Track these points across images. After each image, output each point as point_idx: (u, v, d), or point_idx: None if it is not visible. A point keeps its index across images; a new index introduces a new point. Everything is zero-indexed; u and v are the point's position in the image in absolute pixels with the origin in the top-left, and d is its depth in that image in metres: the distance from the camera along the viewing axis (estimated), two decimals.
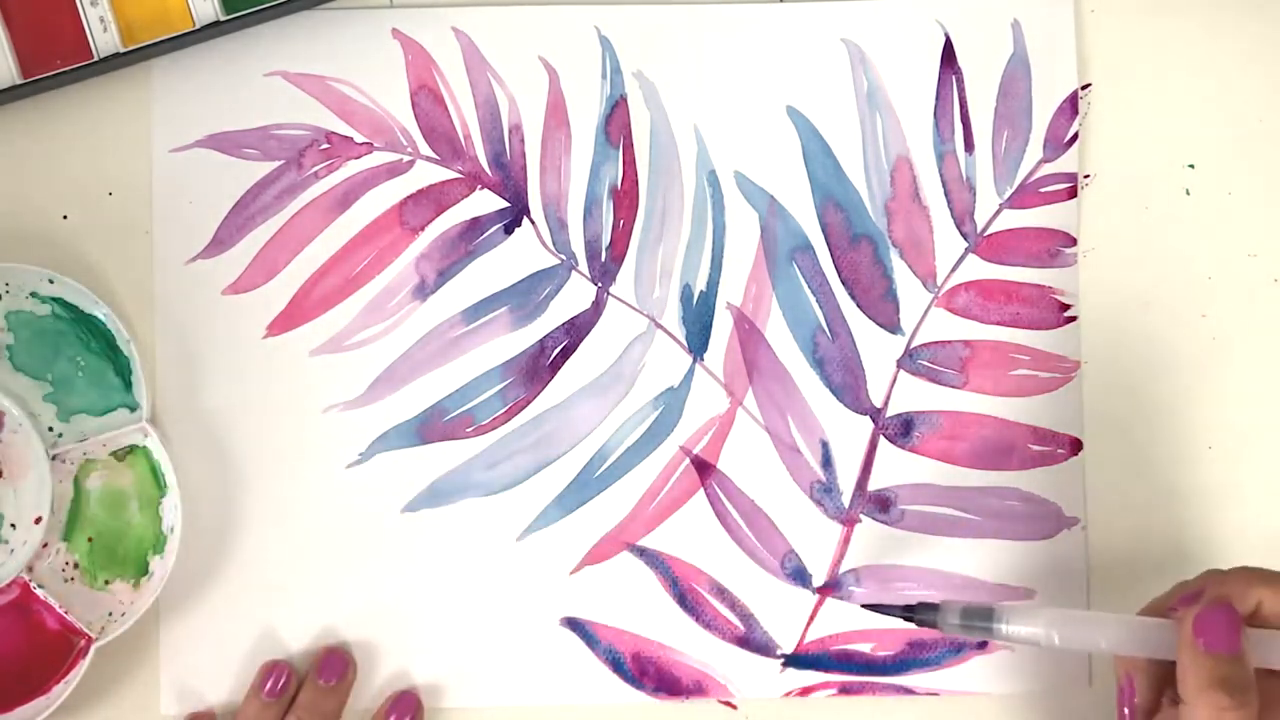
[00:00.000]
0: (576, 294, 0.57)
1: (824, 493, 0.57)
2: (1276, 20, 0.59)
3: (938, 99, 0.58)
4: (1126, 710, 0.50)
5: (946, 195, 0.58)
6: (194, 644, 0.56)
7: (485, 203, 0.57)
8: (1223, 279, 0.58)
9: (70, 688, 0.53)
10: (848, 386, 0.58)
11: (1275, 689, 0.47)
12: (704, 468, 0.57)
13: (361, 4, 0.57)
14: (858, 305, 0.58)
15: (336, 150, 0.57)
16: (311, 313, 0.57)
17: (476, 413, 0.57)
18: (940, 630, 0.51)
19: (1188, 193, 0.59)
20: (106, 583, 0.55)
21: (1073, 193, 0.58)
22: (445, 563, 0.57)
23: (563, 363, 0.57)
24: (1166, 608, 0.50)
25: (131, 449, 0.55)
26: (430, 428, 0.57)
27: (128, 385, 0.55)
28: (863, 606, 0.54)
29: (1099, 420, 0.58)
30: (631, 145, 0.58)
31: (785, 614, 0.57)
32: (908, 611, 0.52)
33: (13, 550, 0.54)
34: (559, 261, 0.57)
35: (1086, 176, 0.58)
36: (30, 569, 0.54)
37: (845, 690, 0.57)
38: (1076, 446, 0.58)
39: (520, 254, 0.57)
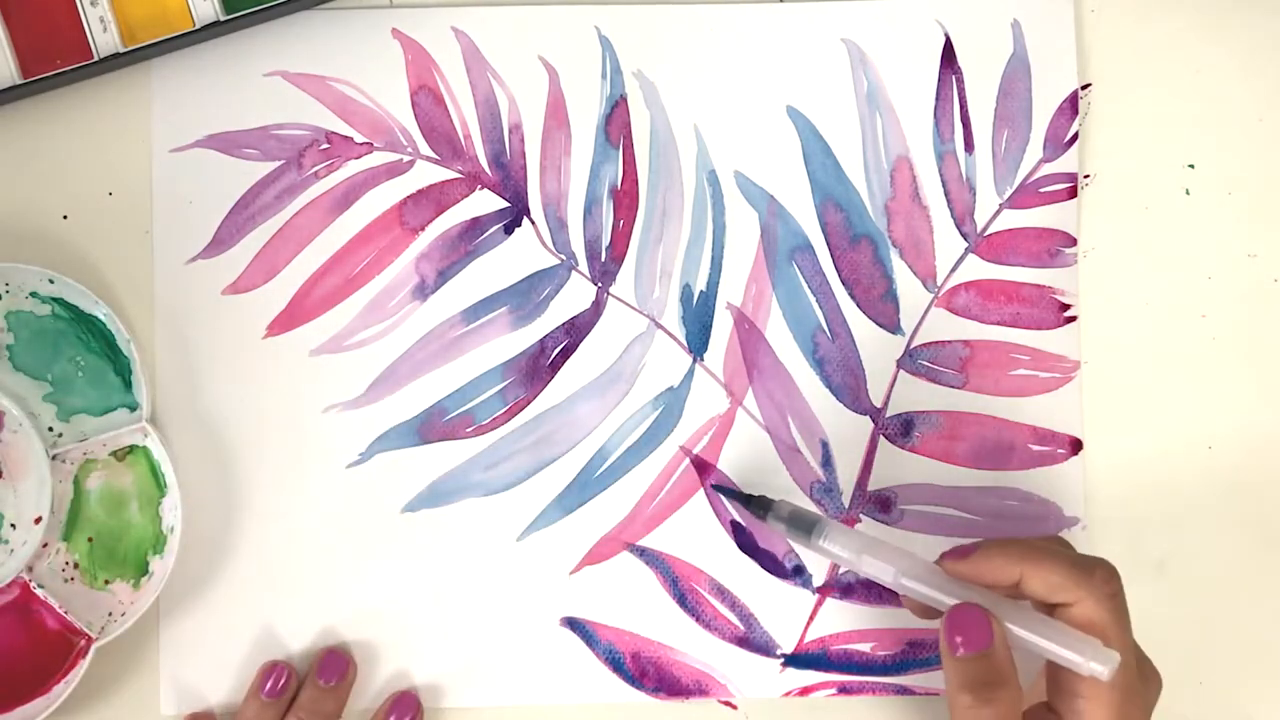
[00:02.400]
0: (576, 294, 0.57)
1: (824, 493, 0.57)
2: (1276, 20, 0.59)
3: (938, 99, 0.58)
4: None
5: (946, 195, 0.58)
6: (194, 644, 0.56)
7: (485, 203, 0.57)
8: (1223, 279, 0.58)
9: (70, 688, 0.53)
10: (848, 386, 0.58)
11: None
12: (704, 468, 0.57)
13: (361, 4, 0.57)
14: (858, 305, 0.58)
15: (336, 150, 0.57)
16: (311, 313, 0.57)
17: (476, 413, 0.57)
18: (769, 526, 0.54)
19: (1188, 193, 0.59)
20: (106, 583, 0.55)
21: (1073, 193, 0.58)
22: (445, 563, 0.57)
23: (563, 363, 0.57)
24: (938, 558, 0.51)
25: (131, 449, 0.55)
26: (430, 428, 0.57)
27: (128, 385, 0.55)
28: (712, 486, 0.57)
29: (1099, 420, 0.58)
30: (631, 145, 0.58)
31: (785, 614, 0.57)
32: (747, 500, 0.55)
33: (13, 550, 0.54)
34: (559, 261, 0.57)
35: (1086, 176, 0.58)
36: (30, 569, 0.54)
37: (845, 690, 0.57)
38: (1076, 446, 0.58)
39: (520, 254, 0.57)
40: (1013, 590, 0.50)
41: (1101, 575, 0.49)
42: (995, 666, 0.48)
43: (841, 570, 0.57)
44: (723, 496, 0.57)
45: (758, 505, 0.55)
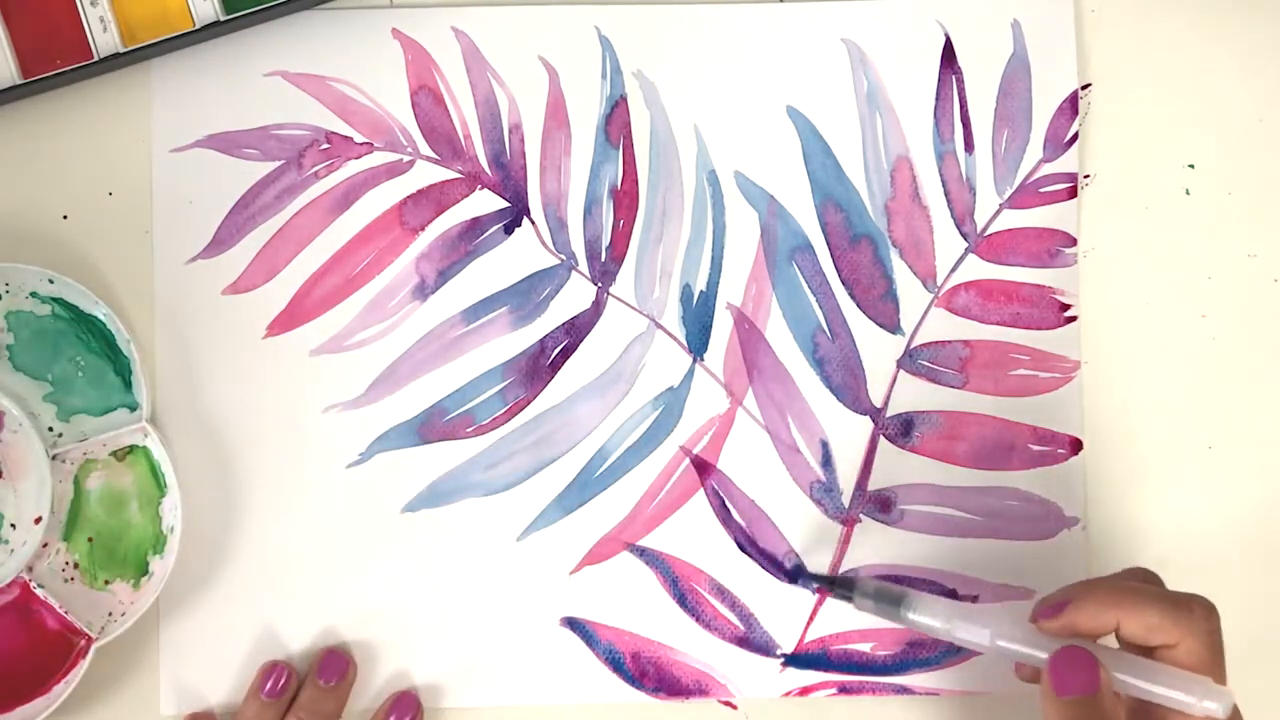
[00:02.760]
0: (576, 294, 0.57)
1: (824, 493, 0.57)
2: (1276, 20, 0.59)
3: (938, 99, 0.58)
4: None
5: (946, 195, 0.58)
6: (194, 644, 0.56)
7: (485, 203, 0.57)
8: (1223, 279, 0.58)
9: (70, 688, 0.53)
10: (848, 386, 0.58)
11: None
12: (704, 468, 0.57)
13: (361, 4, 0.57)
14: (858, 305, 0.58)
15: (336, 150, 0.57)
16: (311, 313, 0.57)
17: (476, 413, 0.57)
18: (854, 605, 0.53)
19: (1188, 193, 0.59)
20: (106, 583, 0.55)
21: (1073, 193, 0.58)
22: (445, 563, 0.57)
23: (563, 363, 0.57)
24: (1031, 615, 0.50)
25: (131, 449, 0.55)
26: (430, 428, 0.57)
27: (128, 385, 0.55)
28: (800, 578, 0.56)
29: (1099, 420, 0.58)
30: (631, 145, 0.58)
31: (785, 614, 0.57)
32: (830, 583, 0.54)
33: (13, 550, 0.54)
34: (559, 261, 0.57)
35: (1086, 176, 0.58)
36: (30, 569, 0.54)
37: (845, 690, 0.57)
38: (1076, 446, 0.58)
39: (520, 254, 0.57)
40: (1108, 635, 0.49)
41: (1201, 613, 0.48)
42: (1101, 711, 0.47)
43: (842, 569, 0.57)
44: (805, 580, 0.56)
45: (841, 586, 0.54)
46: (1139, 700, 0.49)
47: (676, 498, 0.57)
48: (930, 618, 0.51)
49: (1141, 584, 0.50)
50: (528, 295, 0.57)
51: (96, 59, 0.54)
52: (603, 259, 0.57)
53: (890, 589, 0.52)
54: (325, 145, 0.57)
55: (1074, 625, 0.49)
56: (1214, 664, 0.48)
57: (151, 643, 0.56)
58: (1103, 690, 0.47)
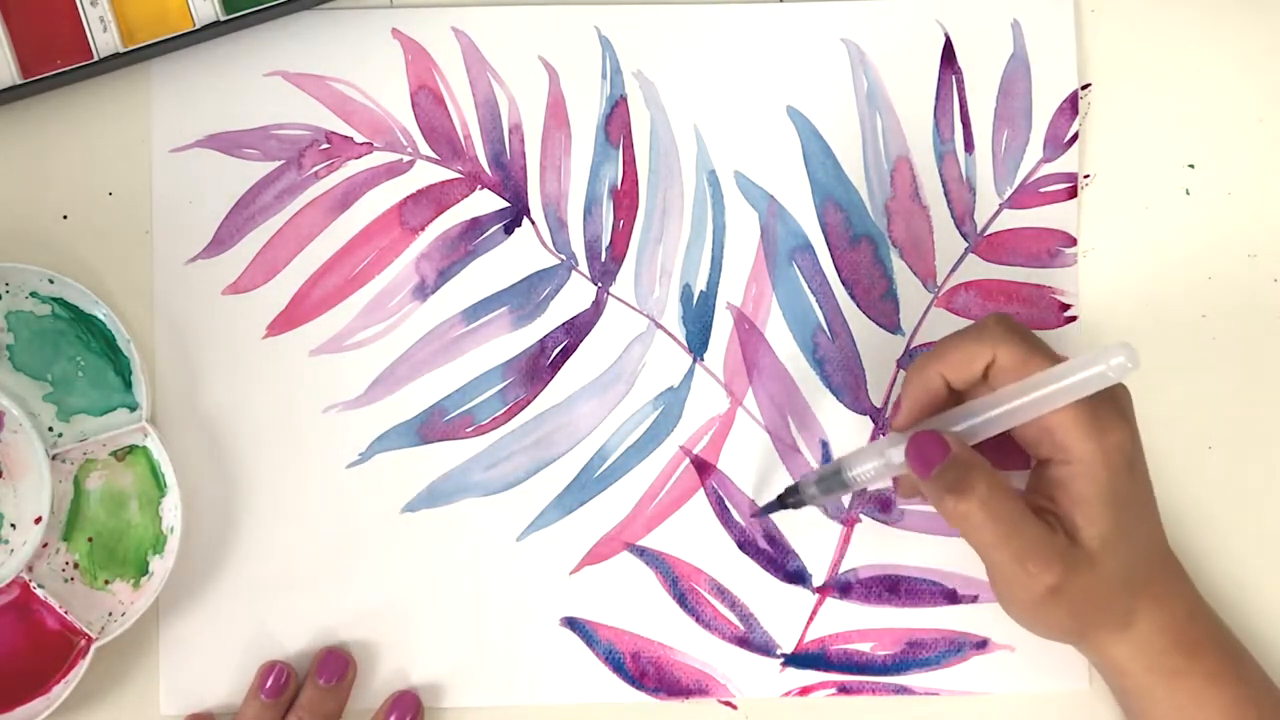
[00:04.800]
0: (576, 294, 0.57)
1: None
2: (1276, 20, 0.59)
3: (938, 99, 0.58)
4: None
5: (946, 195, 0.58)
6: (194, 644, 0.56)
7: (485, 203, 0.57)
8: (1223, 279, 0.58)
9: (70, 688, 0.53)
10: (848, 386, 0.58)
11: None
12: (704, 468, 0.57)
13: (361, 4, 0.57)
14: (858, 305, 0.58)
15: (336, 150, 0.57)
16: (311, 313, 0.57)
17: (476, 413, 0.57)
18: (810, 504, 0.55)
19: (1188, 193, 0.59)
20: (106, 583, 0.55)
21: (1073, 193, 0.58)
22: (445, 563, 0.57)
23: (563, 363, 0.57)
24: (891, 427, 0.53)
25: (131, 449, 0.55)
26: (430, 428, 0.57)
27: (128, 385, 0.55)
28: (751, 516, 0.57)
29: None
30: (631, 145, 0.58)
31: (785, 614, 0.57)
32: (781, 501, 0.55)
33: (13, 550, 0.54)
34: (559, 261, 0.57)
35: (1086, 176, 0.58)
36: (30, 569, 0.54)
37: (845, 690, 0.57)
38: None
39: (520, 254, 0.57)
40: (957, 395, 0.52)
41: (994, 318, 0.51)
42: (960, 463, 0.49)
43: (842, 569, 0.57)
44: (765, 514, 0.56)
45: (790, 495, 0.55)
46: (1023, 432, 0.51)
47: (676, 498, 0.57)
48: (868, 463, 0.52)
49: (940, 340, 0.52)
50: (528, 295, 0.57)
51: (96, 59, 0.54)
52: (603, 259, 0.57)
53: (825, 469, 0.54)
54: (325, 145, 0.57)
55: (914, 403, 0.51)
56: (1037, 353, 0.50)
57: (151, 643, 0.56)
58: (955, 450, 0.50)
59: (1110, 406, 0.50)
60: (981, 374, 0.51)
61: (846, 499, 0.57)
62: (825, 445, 0.57)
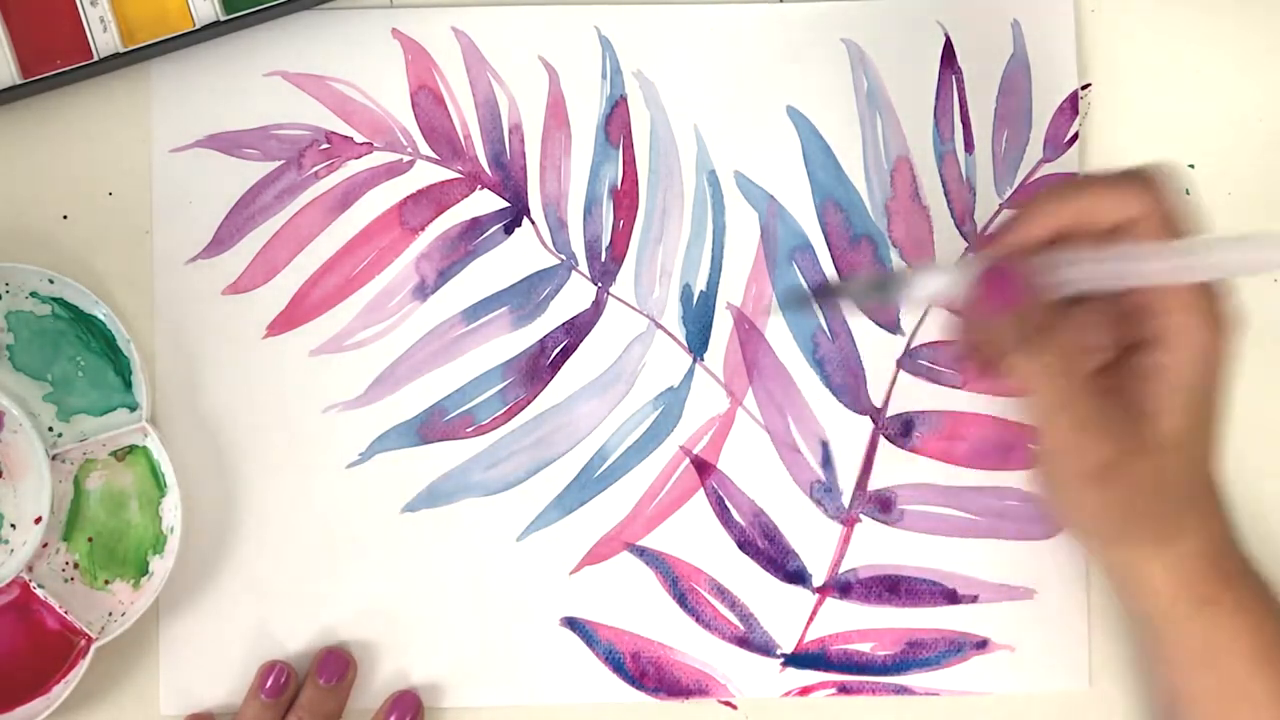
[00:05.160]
0: (576, 294, 0.57)
1: (824, 493, 0.57)
2: (1276, 20, 0.59)
3: (938, 99, 0.58)
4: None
5: (946, 195, 0.58)
6: (194, 644, 0.56)
7: (485, 203, 0.57)
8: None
9: (70, 688, 0.53)
10: (848, 386, 0.58)
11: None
12: (704, 468, 0.57)
13: (361, 4, 0.57)
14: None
15: (336, 150, 0.57)
16: (311, 313, 0.57)
17: (476, 413, 0.57)
18: (849, 302, 0.52)
19: (1188, 193, 0.59)
20: (106, 583, 0.55)
21: None
22: (445, 563, 0.57)
23: (563, 363, 0.57)
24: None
25: (131, 449, 0.55)
26: (430, 428, 0.57)
27: (128, 385, 0.55)
28: (778, 308, 0.56)
29: None
30: (631, 145, 0.58)
31: (785, 614, 0.57)
32: (814, 294, 0.52)
33: (13, 550, 0.54)
34: (559, 261, 0.57)
35: None
36: (30, 569, 0.54)
37: (845, 690, 0.57)
38: None
39: (520, 254, 0.57)
40: (1070, 238, 0.46)
41: (1154, 176, 0.45)
42: (1037, 316, 0.44)
43: (842, 569, 0.57)
44: (791, 308, 0.54)
45: (826, 294, 0.52)
46: (1121, 304, 0.46)
47: (676, 498, 0.57)
48: (935, 277, 0.47)
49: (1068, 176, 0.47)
50: (528, 295, 0.57)
51: (96, 59, 0.54)
52: (603, 259, 0.57)
53: (881, 273, 0.50)
54: (325, 145, 0.57)
55: (1034, 224, 0.45)
56: (1183, 223, 0.45)
57: (151, 643, 0.56)
58: (1034, 298, 0.44)
59: (1223, 304, 0.45)
60: (1111, 228, 0.45)
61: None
62: (825, 445, 0.57)
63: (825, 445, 0.57)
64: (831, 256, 0.58)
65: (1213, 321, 0.45)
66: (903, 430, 0.57)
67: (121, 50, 0.55)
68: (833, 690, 0.57)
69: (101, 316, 0.55)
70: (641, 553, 0.57)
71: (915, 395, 0.58)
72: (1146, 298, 0.45)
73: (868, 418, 0.58)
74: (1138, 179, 0.45)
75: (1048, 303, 0.45)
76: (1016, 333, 0.44)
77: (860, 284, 0.51)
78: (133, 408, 0.55)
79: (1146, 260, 0.44)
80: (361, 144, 0.57)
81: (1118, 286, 0.45)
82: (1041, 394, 0.45)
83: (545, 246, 0.57)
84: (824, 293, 0.52)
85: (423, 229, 0.57)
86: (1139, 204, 0.44)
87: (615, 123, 0.58)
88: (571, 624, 0.57)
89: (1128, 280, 0.45)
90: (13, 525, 0.54)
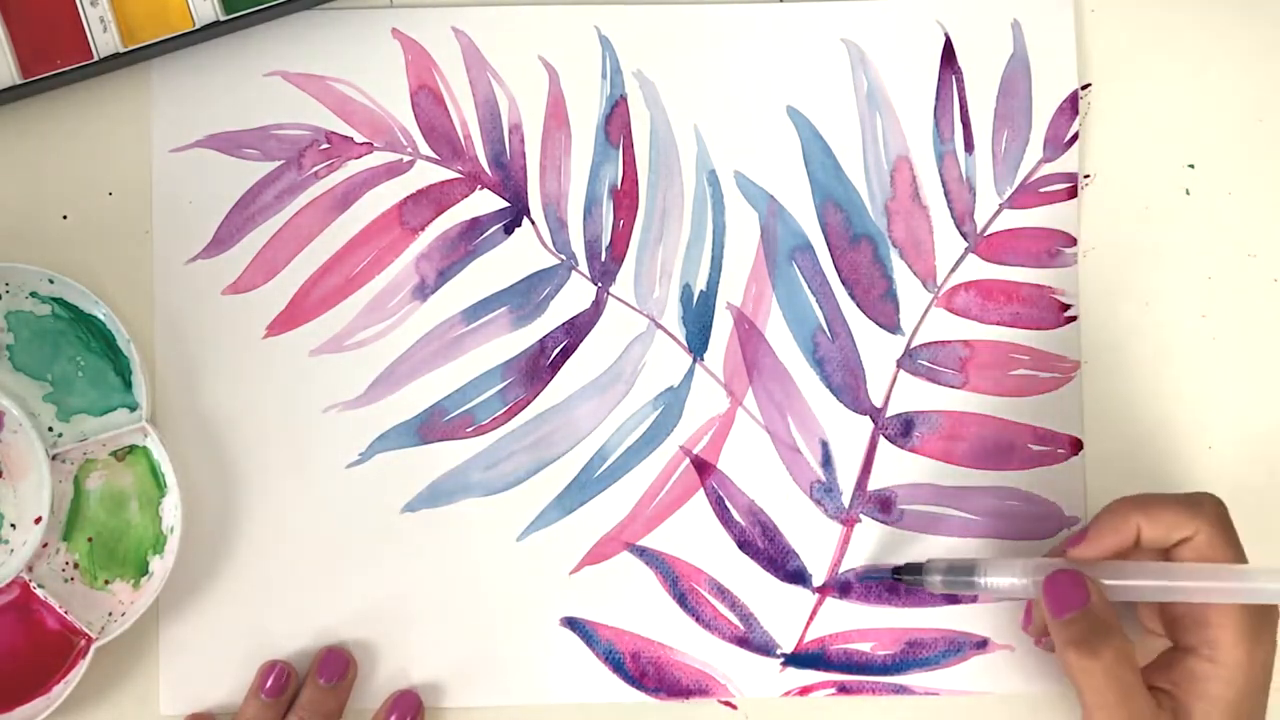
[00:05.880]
0: (576, 294, 0.57)
1: (824, 493, 0.57)
2: (1276, 20, 0.59)
3: (938, 99, 0.58)
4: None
5: (946, 195, 0.58)
6: (194, 644, 0.56)
7: (485, 203, 0.57)
8: (1223, 279, 0.58)
9: (70, 688, 0.54)
10: (848, 386, 0.58)
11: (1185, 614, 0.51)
12: (704, 468, 0.57)
13: (361, 4, 0.57)
14: (858, 305, 0.58)
15: (336, 150, 0.57)
16: (311, 313, 0.57)
17: (476, 413, 0.57)
18: (928, 589, 0.55)
19: (1188, 193, 0.59)
20: (106, 583, 0.55)
21: (1073, 193, 0.58)
22: (445, 563, 0.57)
23: (563, 363, 0.57)
24: (1060, 550, 0.53)
25: (131, 449, 0.55)
26: (430, 428, 0.57)
27: (128, 385, 0.55)
28: (858, 577, 0.57)
29: (1099, 420, 0.58)
30: (631, 145, 0.58)
31: (785, 614, 0.57)
32: (896, 573, 0.55)
33: (13, 550, 0.54)
34: (559, 261, 0.57)
35: (1086, 176, 0.58)
36: (30, 569, 0.54)
37: (844, 690, 0.57)
38: (1076, 446, 0.58)
39: (520, 254, 0.57)
40: (1137, 549, 0.52)
41: (1211, 503, 0.51)
42: (1096, 620, 0.50)
43: (842, 569, 0.57)
44: (872, 579, 0.57)
45: (909, 573, 0.55)
46: (1174, 609, 0.51)
47: (676, 498, 0.57)
48: (1006, 576, 0.52)
49: (1149, 494, 0.52)
50: (528, 295, 0.57)
51: (96, 59, 0.54)
52: (603, 259, 0.57)
53: (959, 561, 0.54)
54: (325, 145, 0.57)
55: (1101, 545, 0.51)
56: (1235, 549, 0.51)
57: (151, 643, 0.56)
58: (1094, 601, 0.50)
59: (1269, 621, 0.50)
60: (1173, 544, 0.51)
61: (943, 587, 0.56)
62: (825, 445, 0.57)
63: (825, 445, 0.57)
64: (831, 256, 0.58)
65: (1254, 641, 0.50)
66: (903, 430, 0.57)
67: (121, 50, 0.55)
68: (832, 690, 0.57)
69: (101, 316, 0.55)
70: (641, 553, 0.57)
71: (915, 395, 0.58)
72: (1196, 609, 0.50)
73: (868, 418, 0.58)
74: (1195, 503, 0.51)
75: (1109, 607, 0.50)
76: (1080, 632, 0.50)
77: (941, 568, 0.54)
78: (133, 408, 0.55)
79: (1196, 579, 0.50)
80: (361, 144, 0.57)
81: (1170, 599, 0.51)
82: (1093, 692, 0.49)
83: (545, 246, 0.57)
84: (905, 573, 0.56)
85: (423, 229, 0.57)
86: (1193, 526, 0.50)
87: (615, 123, 0.58)
88: (571, 624, 0.57)
89: (1179, 595, 0.50)
90: (13, 525, 0.54)
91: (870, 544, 0.57)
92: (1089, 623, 0.50)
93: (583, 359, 0.57)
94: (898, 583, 0.56)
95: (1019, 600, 0.56)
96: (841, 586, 0.57)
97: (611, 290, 0.57)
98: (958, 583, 0.54)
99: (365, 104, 0.57)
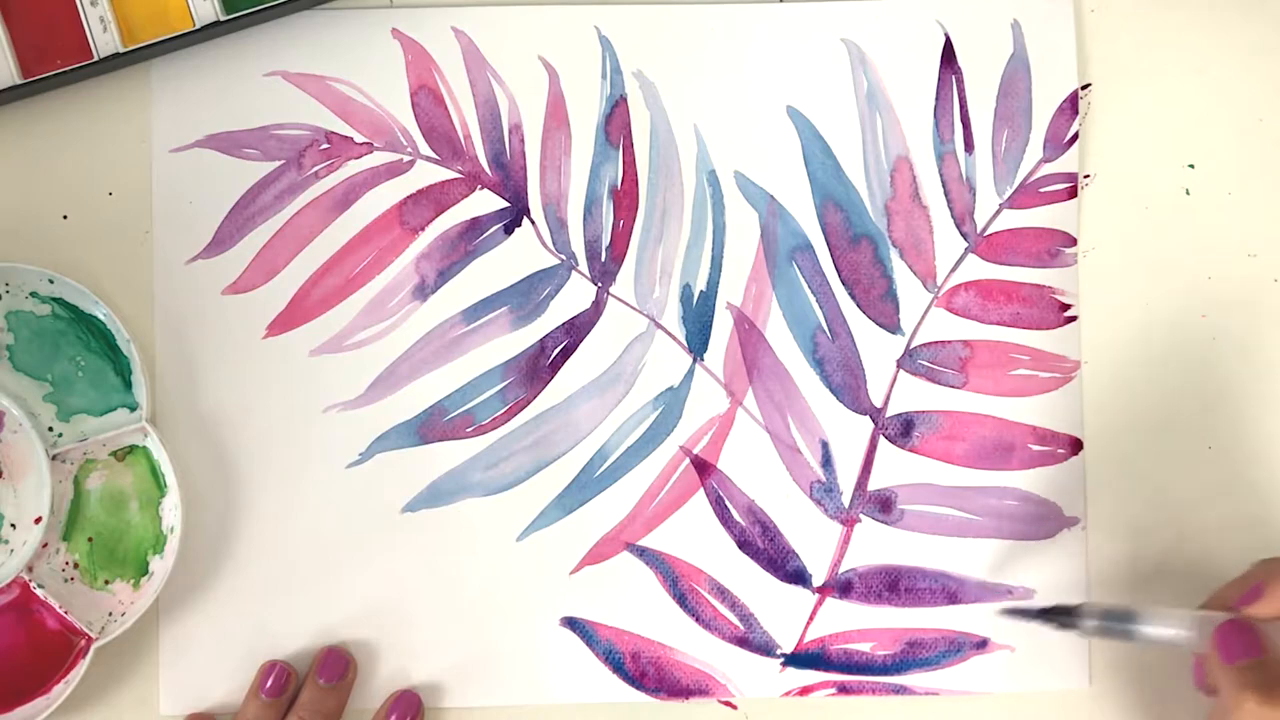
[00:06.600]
0: (576, 294, 0.57)
1: (824, 493, 0.57)
2: (1276, 20, 0.59)
3: (938, 99, 0.58)
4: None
5: (946, 195, 0.58)
6: (194, 644, 0.56)
7: (485, 203, 0.57)
8: (1223, 279, 0.58)
9: (70, 688, 0.54)
10: (848, 386, 0.58)
11: None
12: (704, 468, 0.57)
13: (361, 4, 0.57)
14: (858, 305, 0.58)
15: (336, 150, 0.57)
16: (311, 313, 0.57)
17: (476, 413, 0.57)
18: (1080, 634, 0.54)
19: (1188, 193, 0.59)
20: (106, 583, 0.55)
21: (1073, 193, 0.58)
22: (445, 563, 0.57)
23: (563, 363, 0.57)
24: (1230, 603, 0.52)
25: (131, 449, 0.55)
26: (430, 428, 0.57)
27: (128, 385, 0.55)
28: (1000, 613, 0.56)
29: (1099, 420, 0.58)
30: (631, 145, 0.58)
31: (785, 614, 0.57)
32: (1044, 614, 0.54)
33: (13, 550, 0.54)
34: (559, 261, 0.57)
35: (1086, 176, 0.58)
36: (30, 569, 0.54)
37: (844, 690, 0.57)
38: (1076, 446, 0.58)
39: (520, 254, 0.57)
40: None
41: None
42: (1273, 665, 0.49)
43: (842, 569, 0.57)
44: (1016, 618, 0.55)
45: (1061, 616, 0.54)
46: None
47: (676, 498, 0.57)
48: (1167, 626, 0.52)
49: None
50: (528, 295, 0.57)
51: (96, 59, 0.54)
52: (603, 259, 0.57)
53: (1117, 607, 0.53)
54: (325, 145, 0.57)
55: (1276, 602, 0.51)
56: None
57: (151, 643, 0.56)
58: (1268, 652, 0.50)
59: None
60: None
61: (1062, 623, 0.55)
62: (825, 445, 0.57)
63: (825, 445, 0.57)
64: (831, 256, 0.58)
65: None
66: (903, 430, 0.58)
67: (121, 50, 0.55)
68: (832, 690, 0.57)
69: (101, 316, 0.55)
70: (641, 553, 0.57)
71: (915, 395, 0.58)
72: None
73: (868, 418, 0.58)
74: None
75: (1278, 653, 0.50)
76: (1259, 678, 0.49)
77: (1097, 613, 0.53)
78: (133, 408, 0.55)
79: None
80: (361, 144, 0.57)
81: None
82: None
83: (545, 246, 0.57)
84: (1055, 615, 0.54)
85: (423, 229, 0.57)
86: None
87: (615, 123, 0.58)
88: (571, 624, 0.57)
89: None
90: (13, 525, 0.54)
91: (870, 544, 0.57)
92: (1268, 671, 0.49)
93: (583, 359, 0.57)
94: (1047, 620, 0.54)
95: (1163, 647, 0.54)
96: (841, 586, 0.57)
97: (611, 290, 0.57)
98: (1113, 629, 0.53)
99: (365, 104, 0.57)
